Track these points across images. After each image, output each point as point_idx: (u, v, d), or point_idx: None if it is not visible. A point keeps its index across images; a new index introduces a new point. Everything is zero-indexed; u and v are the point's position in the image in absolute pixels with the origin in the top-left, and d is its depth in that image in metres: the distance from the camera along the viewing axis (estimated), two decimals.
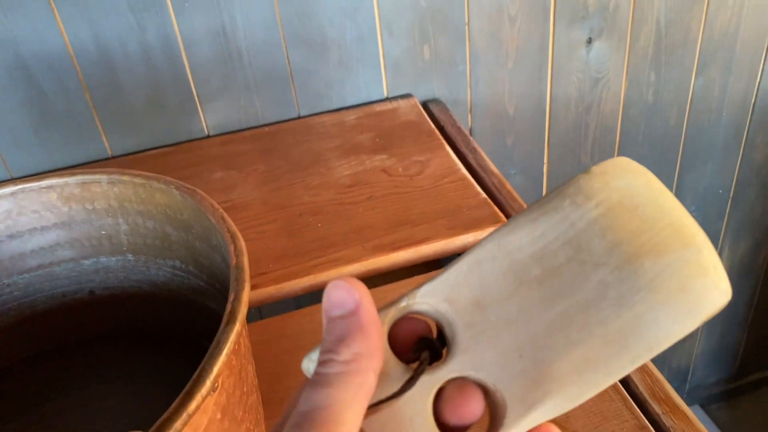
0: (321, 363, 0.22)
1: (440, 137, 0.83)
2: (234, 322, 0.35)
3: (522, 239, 0.25)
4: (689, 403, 1.58)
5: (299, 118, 0.89)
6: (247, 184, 0.78)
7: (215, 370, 0.33)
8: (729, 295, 0.24)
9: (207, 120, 0.86)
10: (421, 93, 0.94)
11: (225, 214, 0.43)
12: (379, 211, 0.72)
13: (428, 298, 0.25)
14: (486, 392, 0.24)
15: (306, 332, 0.59)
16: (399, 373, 0.24)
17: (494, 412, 0.24)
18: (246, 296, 0.37)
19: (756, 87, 1.11)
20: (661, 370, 1.48)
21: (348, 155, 0.81)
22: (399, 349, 0.25)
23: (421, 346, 0.25)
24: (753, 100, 1.12)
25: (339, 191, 0.75)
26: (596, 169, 0.25)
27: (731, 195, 1.24)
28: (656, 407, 0.50)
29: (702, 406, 1.60)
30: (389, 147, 0.82)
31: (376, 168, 0.78)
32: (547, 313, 0.24)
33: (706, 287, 0.23)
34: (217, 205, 0.44)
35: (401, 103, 0.91)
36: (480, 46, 0.92)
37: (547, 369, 0.24)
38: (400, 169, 0.78)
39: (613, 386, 0.51)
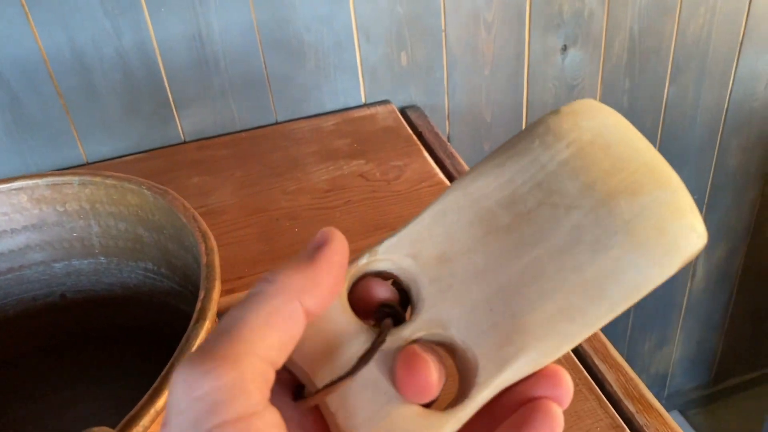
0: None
1: (418, 143, 0.83)
2: (204, 319, 0.35)
3: (489, 185, 0.23)
4: (668, 409, 1.59)
5: (277, 123, 0.89)
6: (223, 189, 0.77)
7: None
8: (705, 239, 0.23)
9: (183, 125, 0.86)
10: (399, 99, 0.94)
11: (196, 214, 0.43)
12: (356, 216, 0.72)
13: (390, 254, 0.24)
14: (455, 352, 0.23)
15: None
16: (362, 340, 0.22)
17: (464, 374, 0.23)
18: (216, 294, 0.36)
19: (728, 93, 1.12)
20: (640, 376, 1.49)
21: (325, 160, 0.81)
22: (362, 317, 0.23)
23: (382, 313, 0.23)
24: (726, 106, 1.14)
25: (316, 196, 0.75)
26: (565, 108, 0.24)
27: (706, 200, 1.25)
28: (630, 406, 0.50)
29: (681, 412, 1.61)
30: (367, 152, 0.82)
31: (353, 173, 0.78)
32: (518, 263, 0.22)
33: (684, 229, 0.22)
34: (188, 205, 0.44)
35: (379, 109, 0.91)
36: (457, 52, 0.93)
37: (519, 322, 0.22)
38: (377, 174, 0.78)
39: (588, 386, 0.51)
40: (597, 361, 0.54)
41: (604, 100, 1.05)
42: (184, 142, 0.87)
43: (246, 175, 0.79)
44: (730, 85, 1.12)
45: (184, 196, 0.77)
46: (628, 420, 0.49)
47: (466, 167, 0.80)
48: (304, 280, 0.20)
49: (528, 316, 0.22)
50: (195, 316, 0.35)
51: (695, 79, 1.09)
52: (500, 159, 0.24)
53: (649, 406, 0.50)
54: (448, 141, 1.00)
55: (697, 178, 1.21)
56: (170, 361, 0.32)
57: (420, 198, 0.73)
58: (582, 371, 0.53)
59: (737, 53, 1.08)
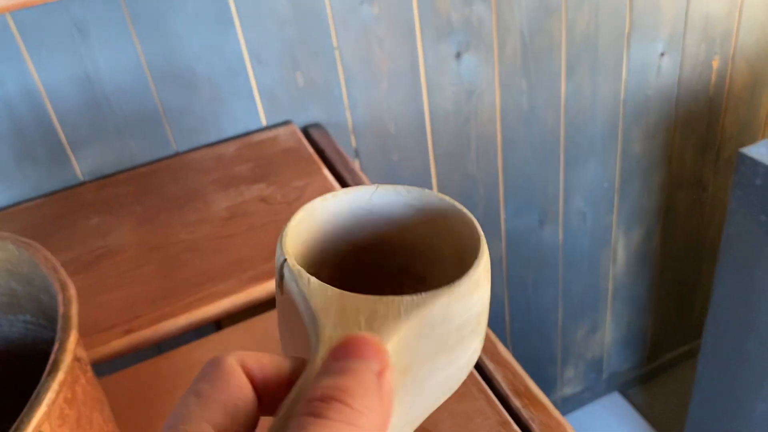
0: (322, 398, 0.19)
1: (318, 161, 0.84)
2: (56, 371, 0.35)
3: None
4: (607, 391, 1.64)
5: (177, 155, 0.89)
6: (123, 227, 0.77)
7: (34, 422, 0.32)
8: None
9: (81, 166, 0.85)
10: (301, 119, 0.95)
11: (57, 264, 0.43)
12: (257, 241, 0.72)
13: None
14: None
15: (188, 371, 0.59)
16: None
17: None
18: (72, 344, 0.37)
19: (623, 84, 1.17)
20: (577, 364, 1.53)
21: (227, 187, 0.81)
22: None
23: None
24: (622, 96, 1.18)
25: (217, 225, 0.75)
26: None
27: (617, 188, 1.30)
28: (517, 401, 0.52)
29: (620, 392, 1.66)
30: (268, 175, 0.83)
31: (254, 198, 0.79)
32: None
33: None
34: (50, 256, 0.43)
35: (280, 130, 0.92)
36: (353, 69, 0.94)
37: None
38: (278, 197, 0.79)
39: (477, 386, 0.53)
40: (486, 361, 0.55)
41: (504, 102, 1.08)
42: (83, 183, 0.86)
43: (145, 211, 0.79)
44: (624, 76, 1.16)
45: (82, 238, 0.76)
46: (515, 415, 0.51)
47: (366, 179, 0.81)
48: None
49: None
50: (47, 368, 0.35)
51: (589, 74, 1.13)
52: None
53: (535, 400, 0.52)
54: (356, 156, 1.02)
55: (606, 168, 1.26)
56: (20, 416, 0.32)
57: None
58: (473, 373, 0.54)
59: (625, 46, 1.13)
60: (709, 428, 1.26)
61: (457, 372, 0.26)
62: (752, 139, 1.40)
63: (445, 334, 0.24)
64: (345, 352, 0.20)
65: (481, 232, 0.27)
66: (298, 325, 0.25)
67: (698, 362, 1.21)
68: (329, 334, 0.23)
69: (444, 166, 1.09)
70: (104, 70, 0.81)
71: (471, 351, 0.27)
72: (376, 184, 0.29)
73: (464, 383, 0.54)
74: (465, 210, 0.28)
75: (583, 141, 1.20)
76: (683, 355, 1.67)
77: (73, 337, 0.37)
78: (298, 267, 0.25)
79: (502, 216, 1.21)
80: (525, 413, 0.51)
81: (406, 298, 0.23)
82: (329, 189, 0.79)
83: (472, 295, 0.25)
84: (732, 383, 1.14)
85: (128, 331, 0.62)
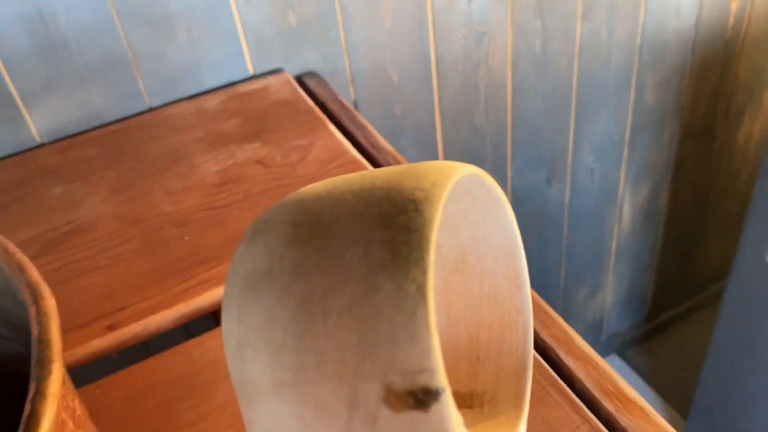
0: None
1: (321, 115, 0.72)
2: (37, 428, 0.23)
3: None
4: (606, 353, 1.58)
5: (151, 110, 0.76)
6: (93, 197, 0.64)
7: None
8: None
9: (37, 125, 0.71)
10: (294, 66, 0.82)
11: (25, 262, 0.30)
12: (258, 212, 0.61)
13: None
14: None
15: (185, 375, 0.48)
16: None
17: None
18: (55, 385, 0.25)
19: (640, 27, 1.07)
20: (576, 326, 1.46)
21: (214, 148, 0.69)
22: None
23: None
24: (639, 41, 1.08)
25: (207, 193, 0.63)
26: None
27: (627, 141, 1.21)
28: (608, 405, 0.42)
29: (619, 354, 1.60)
30: (262, 133, 0.70)
31: (249, 160, 0.67)
32: None
33: None
34: (13, 250, 0.31)
35: (271, 80, 0.79)
36: (352, 6, 0.81)
37: None
38: (278, 158, 0.67)
39: (556, 386, 0.43)
40: (563, 356, 0.45)
41: (516, 45, 0.97)
42: (42, 145, 0.72)
43: (119, 177, 0.66)
44: (642, 19, 1.06)
45: (45, 211, 0.63)
46: (609, 422, 0.42)
47: (379, 137, 0.70)
48: None
49: None
50: (21, 427, 0.23)
51: (607, 15, 1.02)
52: None
53: (630, 402, 0.42)
54: (356, 108, 0.90)
55: (617, 119, 1.16)
56: None
57: None
58: (547, 370, 0.45)
59: None
60: (726, 387, 1.21)
61: None
62: (763, 87, 1.32)
63: None
64: None
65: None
66: None
67: (719, 316, 1.15)
68: None
69: (450, 119, 0.98)
70: (60, 7, 0.66)
71: None
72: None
73: (541, 385, 0.44)
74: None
75: (596, 89, 1.09)
76: (683, 313, 1.63)
77: (56, 373, 0.25)
78: (459, 417, 0.17)
79: (509, 173, 1.11)
80: (621, 419, 0.41)
81: None
82: (338, 147, 0.67)
83: None
84: (756, 339, 1.08)
85: (112, 327, 0.50)
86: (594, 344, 1.53)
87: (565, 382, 0.44)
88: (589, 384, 0.44)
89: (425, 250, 0.16)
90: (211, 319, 0.64)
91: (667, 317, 1.61)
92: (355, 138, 0.70)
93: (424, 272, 0.16)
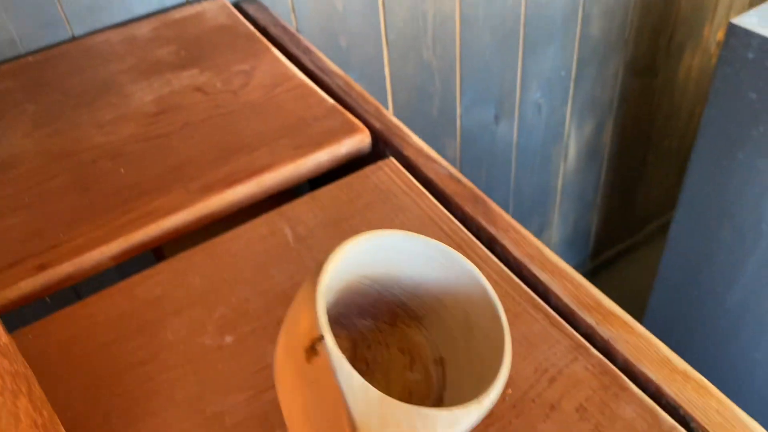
0: None
1: (263, 39, 0.67)
2: None
3: None
4: None
5: (74, 39, 0.69)
6: (13, 132, 0.57)
7: None
8: None
9: None
10: None
11: None
12: (200, 141, 0.56)
13: None
14: None
15: (129, 313, 0.43)
16: None
17: None
18: None
19: None
20: None
21: (147, 77, 0.63)
22: None
23: None
24: None
25: (142, 123, 0.58)
26: None
27: (573, 76, 1.20)
28: (588, 318, 0.40)
29: None
30: (200, 60, 0.65)
31: (187, 88, 0.61)
32: None
33: None
34: None
35: (206, 5, 0.73)
36: None
37: None
38: (218, 85, 0.61)
39: (532, 303, 0.41)
40: (536, 271, 0.43)
41: None
42: None
43: (42, 110, 0.59)
44: None
45: None
46: (589, 336, 0.40)
47: (328, 61, 0.65)
48: None
49: None
50: None
51: None
52: None
53: (611, 314, 0.41)
54: None
55: (564, 53, 1.14)
56: None
57: (279, 106, 0.58)
58: (521, 286, 0.42)
59: None
60: (671, 318, 1.24)
61: None
62: (703, 21, 1.33)
63: (471, 424, 0.25)
64: None
65: (508, 335, 0.27)
66: (330, 402, 0.24)
67: (666, 247, 1.17)
68: None
69: (398, 52, 0.94)
70: None
71: None
72: (409, 234, 0.29)
73: (516, 302, 0.42)
74: (495, 302, 0.28)
75: (543, 21, 1.07)
76: (625, 250, 1.66)
77: None
78: (340, 355, 0.24)
79: (458, 111, 1.08)
80: (602, 332, 0.40)
81: (443, 415, 0.24)
82: (283, 72, 0.62)
83: (496, 392, 0.26)
84: (702, 271, 1.11)
85: (42, 267, 0.45)
86: None
87: (540, 297, 0.42)
88: (566, 298, 0.42)
89: (323, 273, 0.26)
90: (152, 256, 0.59)
91: (611, 254, 1.64)
92: (301, 62, 0.65)
93: (318, 281, 0.25)
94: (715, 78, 0.91)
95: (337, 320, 0.31)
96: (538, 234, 1.44)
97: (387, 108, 1.00)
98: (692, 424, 0.35)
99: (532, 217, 1.39)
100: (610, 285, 1.63)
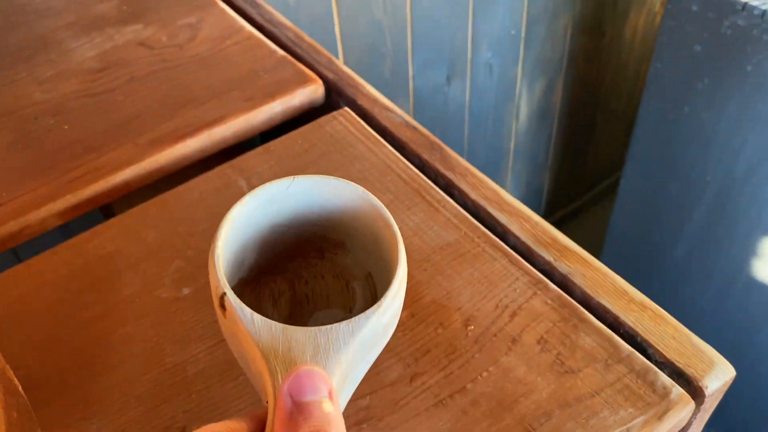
0: None
1: None
2: None
3: None
4: None
5: None
6: None
7: None
8: None
9: None
10: None
11: None
12: (147, 95, 0.54)
13: None
14: None
15: (80, 269, 0.42)
16: None
17: None
18: None
19: None
20: None
21: (88, 32, 0.60)
22: None
23: None
24: None
25: (85, 79, 0.55)
26: None
27: (523, 36, 1.20)
28: (546, 254, 0.41)
29: None
30: (143, 14, 0.62)
31: (130, 42, 0.59)
32: None
33: None
34: None
35: None
36: None
37: None
38: (164, 39, 0.59)
39: (491, 243, 0.41)
40: (494, 213, 0.43)
41: None
42: None
43: None
44: None
45: None
46: (548, 272, 0.40)
47: (278, 14, 0.63)
48: None
49: None
50: None
51: None
52: None
53: (568, 250, 0.41)
54: None
55: (513, 12, 1.15)
56: None
57: (228, 59, 0.56)
58: (479, 227, 0.43)
59: None
60: (622, 272, 1.27)
61: (386, 340, 0.29)
62: None
63: (376, 336, 0.27)
64: (298, 389, 0.23)
65: (399, 237, 0.28)
66: (247, 347, 0.26)
67: (615, 204, 1.19)
68: (282, 373, 0.25)
69: (348, 9, 0.92)
70: None
71: (395, 323, 0.29)
72: (292, 177, 0.30)
73: (472, 242, 0.42)
74: (383, 211, 0.29)
75: None
76: (576, 210, 1.69)
77: None
78: (240, 303, 0.26)
79: (410, 72, 1.07)
80: (560, 267, 0.40)
81: (343, 328, 0.26)
82: (231, 24, 0.60)
83: (395, 299, 0.27)
84: (651, 225, 1.14)
85: None
86: None
87: (499, 238, 0.42)
88: (524, 237, 0.42)
89: (217, 238, 0.28)
90: (101, 217, 0.58)
91: (564, 214, 1.67)
92: (250, 16, 0.63)
93: (216, 246, 0.27)
94: (660, 32, 0.93)
95: (269, 269, 0.33)
96: None
97: None
98: (649, 351, 0.36)
99: None
100: None
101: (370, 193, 0.29)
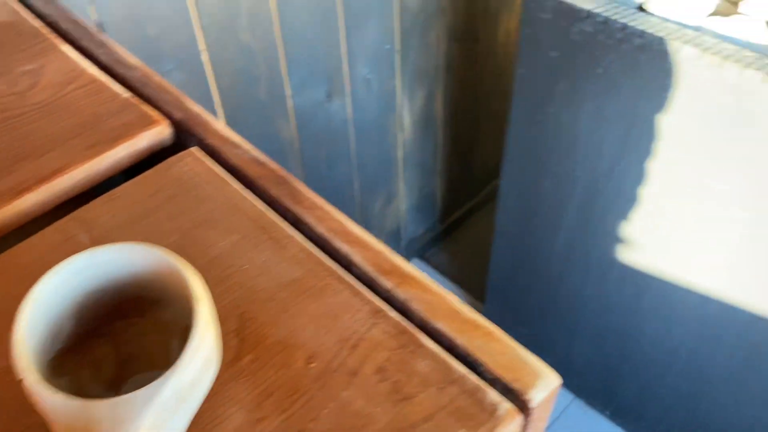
0: None
1: (51, 36, 0.63)
2: None
3: None
4: (408, 258, 1.66)
5: None
6: None
7: None
8: None
9: None
10: None
11: None
12: None
13: None
14: None
15: None
16: None
17: None
18: None
19: None
20: (379, 236, 1.50)
21: None
22: None
23: None
24: None
25: None
26: None
27: (398, 48, 1.23)
28: (386, 282, 0.42)
29: (419, 257, 1.69)
30: None
31: None
32: None
33: None
34: None
35: None
36: None
37: None
38: (3, 88, 0.57)
39: (335, 276, 0.43)
40: (339, 244, 0.45)
41: None
42: None
43: None
44: None
45: None
46: (388, 299, 0.42)
47: (128, 54, 0.62)
48: None
49: None
50: None
51: None
52: None
53: (408, 276, 0.43)
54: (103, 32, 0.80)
55: (385, 27, 1.17)
56: None
57: (70, 105, 0.55)
58: (324, 262, 0.44)
59: None
60: (512, 267, 1.32)
61: (202, 392, 0.29)
62: None
63: (183, 392, 0.27)
64: None
65: (198, 296, 0.29)
66: (50, 425, 0.27)
67: (498, 202, 1.24)
68: None
69: (213, 36, 0.92)
70: None
71: (210, 374, 0.30)
72: (92, 249, 0.31)
73: (320, 277, 0.43)
74: (182, 272, 0.30)
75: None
76: (468, 211, 1.74)
77: None
78: (38, 385, 0.26)
79: (288, 92, 1.08)
80: (400, 293, 0.42)
81: (140, 394, 0.26)
82: (74, 68, 0.59)
83: (197, 353, 0.28)
84: (531, 221, 1.19)
85: None
86: (396, 251, 1.60)
87: (345, 269, 0.44)
88: (366, 266, 0.43)
89: (18, 321, 0.28)
90: None
91: (457, 216, 1.72)
92: (96, 57, 0.62)
93: (16, 330, 0.28)
94: (520, 39, 0.97)
95: (92, 333, 0.33)
96: (387, 204, 1.48)
97: (212, 96, 0.98)
98: (480, 368, 0.38)
99: (379, 189, 1.43)
100: (460, 243, 1.71)
101: (169, 255, 0.30)
